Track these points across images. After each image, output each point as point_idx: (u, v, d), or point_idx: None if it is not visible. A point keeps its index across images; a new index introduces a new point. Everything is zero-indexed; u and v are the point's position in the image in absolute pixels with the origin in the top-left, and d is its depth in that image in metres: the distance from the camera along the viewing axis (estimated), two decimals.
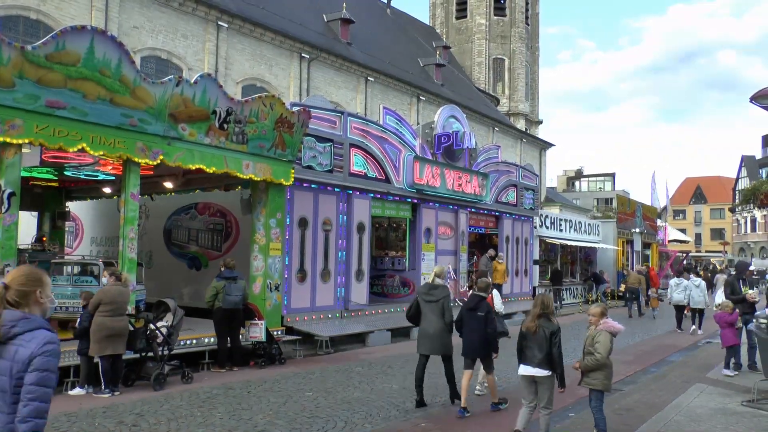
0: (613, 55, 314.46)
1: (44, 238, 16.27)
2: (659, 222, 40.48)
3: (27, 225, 16.56)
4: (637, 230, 34.89)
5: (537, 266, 25.31)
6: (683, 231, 71.67)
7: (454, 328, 8.88)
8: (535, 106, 68.55)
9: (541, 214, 26.60)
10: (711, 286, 26.18)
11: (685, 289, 18.84)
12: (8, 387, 3.16)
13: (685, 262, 44.66)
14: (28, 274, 3.38)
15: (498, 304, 10.44)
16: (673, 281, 19.79)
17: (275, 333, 12.73)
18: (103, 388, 9.33)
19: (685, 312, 19.44)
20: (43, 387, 3.14)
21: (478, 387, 9.69)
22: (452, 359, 9.00)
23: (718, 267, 44.46)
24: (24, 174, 10.52)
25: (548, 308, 7.13)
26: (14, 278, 3.33)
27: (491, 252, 21.17)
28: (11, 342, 3.18)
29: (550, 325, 7.01)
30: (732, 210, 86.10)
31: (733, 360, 12.04)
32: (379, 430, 7.74)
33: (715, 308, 12.41)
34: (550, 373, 6.98)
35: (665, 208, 46.47)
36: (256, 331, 12.17)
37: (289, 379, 10.72)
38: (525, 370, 7.09)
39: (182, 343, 11.15)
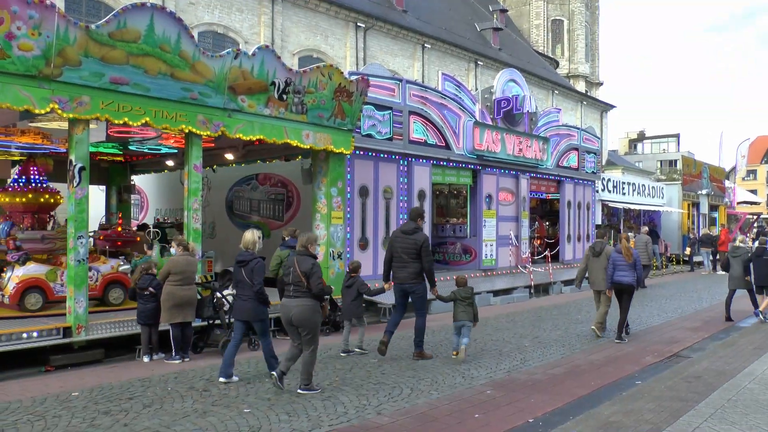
0: (673, 14, 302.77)
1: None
2: (727, 183, 39.17)
3: (95, 199, 17.07)
4: (704, 192, 33.85)
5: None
6: (754, 192, 69.14)
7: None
8: (595, 68, 66.81)
9: (603, 178, 26.01)
10: None
11: None
12: None
13: (755, 224, 43.21)
14: None
15: None
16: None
17: (339, 301, 12.84)
18: (173, 354, 9.63)
19: None
20: None
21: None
22: (735, 292, 14.09)
23: None
24: (91, 149, 10.76)
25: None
26: None
27: (645, 229, 23.52)
28: None
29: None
30: None
31: None
32: (445, 397, 7.75)
33: None
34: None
35: (734, 168, 44.86)
36: None
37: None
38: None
39: None
